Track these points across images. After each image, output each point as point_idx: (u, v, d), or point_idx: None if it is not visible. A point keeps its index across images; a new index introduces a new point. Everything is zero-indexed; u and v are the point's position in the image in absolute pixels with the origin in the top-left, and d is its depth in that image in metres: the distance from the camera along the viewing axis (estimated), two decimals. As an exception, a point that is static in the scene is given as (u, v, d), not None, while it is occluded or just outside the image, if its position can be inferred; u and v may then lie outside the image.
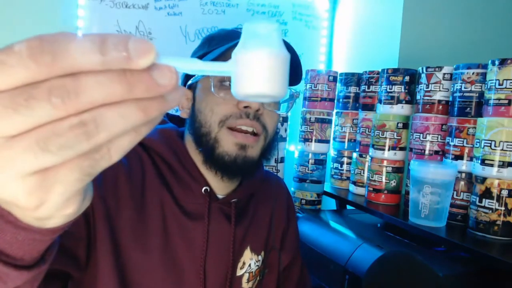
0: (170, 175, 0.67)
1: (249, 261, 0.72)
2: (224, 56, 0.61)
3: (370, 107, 1.22)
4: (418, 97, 1.06)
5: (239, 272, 0.71)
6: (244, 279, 0.72)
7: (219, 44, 0.66)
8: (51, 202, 0.24)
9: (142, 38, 0.22)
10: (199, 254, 0.65)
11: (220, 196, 0.70)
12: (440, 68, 1.01)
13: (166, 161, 0.68)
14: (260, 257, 0.74)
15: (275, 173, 1.34)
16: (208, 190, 0.67)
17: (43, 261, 0.33)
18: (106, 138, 0.22)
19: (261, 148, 0.66)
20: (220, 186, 0.69)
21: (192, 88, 0.69)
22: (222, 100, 0.63)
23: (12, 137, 0.22)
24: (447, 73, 1.00)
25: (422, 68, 1.04)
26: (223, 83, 0.64)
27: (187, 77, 0.71)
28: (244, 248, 0.72)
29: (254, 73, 0.23)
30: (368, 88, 1.22)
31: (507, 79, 0.83)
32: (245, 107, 0.62)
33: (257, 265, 0.74)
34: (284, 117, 1.31)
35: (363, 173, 1.23)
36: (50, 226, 0.27)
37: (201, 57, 0.68)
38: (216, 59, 0.61)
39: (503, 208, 0.83)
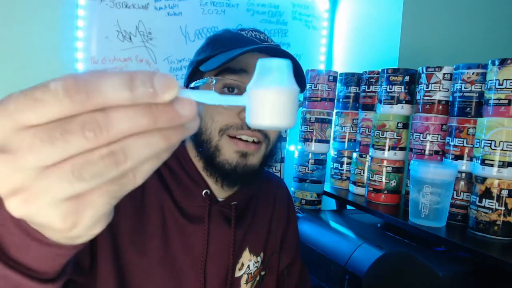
0: (170, 178, 0.67)
1: (248, 262, 0.72)
2: (228, 65, 0.62)
3: (370, 107, 1.22)
4: (418, 97, 1.06)
5: (237, 273, 0.71)
6: (243, 280, 0.72)
7: (223, 47, 0.66)
8: (83, 224, 0.26)
9: (166, 74, 0.24)
10: (199, 256, 0.65)
11: (220, 199, 0.70)
12: (440, 68, 1.01)
13: (166, 164, 0.67)
14: (259, 258, 0.74)
15: (275, 173, 1.34)
16: (209, 193, 0.67)
17: (64, 273, 0.35)
18: (132, 165, 0.25)
19: (262, 156, 0.66)
20: (220, 189, 0.69)
21: (194, 89, 0.68)
22: (223, 109, 0.62)
23: (48, 167, 0.23)
24: (447, 73, 1.00)
25: (422, 68, 1.04)
26: (224, 90, 0.64)
27: (189, 79, 0.71)
28: (243, 249, 0.72)
29: (266, 108, 0.26)
30: (368, 88, 1.22)
31: (507, 79, 0.83)
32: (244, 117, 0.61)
33: (256, 266, 0.74)
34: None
35: (363, 173, 1.23)
36: (77, 243, 0.29)
37: (204, 60, 0.67)
38: (220, 67, 0.62)
39: (503, 208, 0.83)
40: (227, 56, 0.61)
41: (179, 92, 0.24)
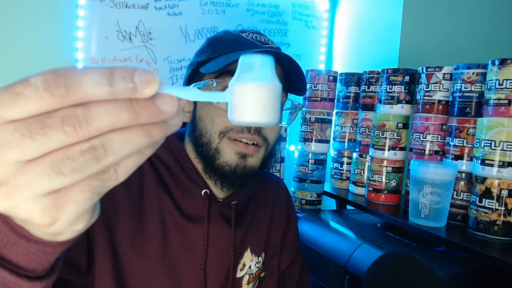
0: (169, 178, 0.67)
1: (249, 262, 0.72)
2: (228, 68, 0.62)
3: (370, 107, 1.22)
4: (418, 97, 1.06)
5: (239, 274, 0.71)
6: (244, 281, 0.72)
7: (224, 50, 0.66)
8: (63, 219, 0.26)
9: (146, 70, 0.24)
10: (198, 257, 0.65)
11: (220, 199, 0.69)
12: (440, 68, 1.01)
13: (165, 164, 0.68)
14: (260, 259, 0.74)
15: (275, 174, 1.34)
16: (208, 192, 0.67)
17: (53, 271, 0.35)
18: (113, 161, 0.25)
19: (261, 158, 0.67)
20: (219, 189, 0.68)
21: None
22: (224, 111, 0.62)
23: (28, 162, 0.24)
24: (447, 73, 1.00)
25: (422, 68, 1.04)
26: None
27: (189, 80, 0.70)
28: (244, 249, 0.71)
29: (248, 104, 0.26)
30: (368, 88, 1.22)
31: (507, 79, 0.83)
32: None
33: (258, 267, 0.74)
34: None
35: (363, 173, 1.23)
36: (61, 240, 0.30)
37: (204, 62, 0.67)
38: (221, 69, 0.62)
39: (503, 208, 0.83)
40: (228, 59, 0.61)
41: (160, 88, 0.24)
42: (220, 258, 0.67)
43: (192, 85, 0.67)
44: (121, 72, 0.24)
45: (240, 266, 0.71)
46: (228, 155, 0.63)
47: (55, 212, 0.25)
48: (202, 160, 0.66)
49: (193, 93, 0.27)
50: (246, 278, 0.72)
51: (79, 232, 0.29)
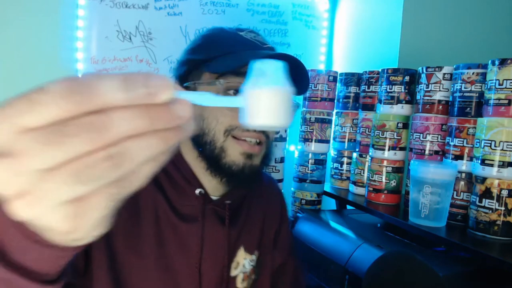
0: (163, 178, 0.67)
1: (243, 261, 0.73)
2: (228, 72, 0.62)
3: (370, 107, 1.22)
4: (418, 97, 1.06)
5: (233, 273, 0.71)
6: (239, 279, 0.72)
7: (225, 49, 0.66)
8: (84, 226, 0.26)
9: (162, 75, 0.25)
10: (194, 256, 0.66)
11: (214, 198, 0.70)
12: (440, 68, 1.01)
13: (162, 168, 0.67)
14: (254, 257, 0.75)
15: (275, 173, 1.34)
16: (202, 192, 0.67)
17: (65, 274, 0.35)
18: (131, 168, 0.25)
19: (263, 155, 0.67)
20: (214, 188, 0.69)
21: (190, 89, 0.67)
22: (228, 110, 0.63)
23: (48, 170, 0.23)
24: (447, 73, 1.00)
25: (422, 68, 1.04)
26: (228, 91, 0.63)
27: (184, 78, 0.69)
28: (237, 248, 0.72)
29: (261, 108, 0.27)
30: (368, 88, 1.22)
31: (507, 79, 0.83)
32: None
33: (252, 265, 0.74)
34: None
35: (363, 173, 1.23)
36: (77, 245, 0.29)
37: (205, 61, 0.66)
38: (220, 73, 0.62)
39: (503, 208, 0.83)
40: (238, 61, 0.62)
41: (175, 93, 0.25)
42: (215, 257, 0.68)
43: (194, 83, 0.67)
44: (136, 78, 0.24)
45: (234, 264, 0.71)
46: (234, 155, 0.64)
47: (76, 220, 0.25)
48: (205, 159, 0.66)
49: (208, 98, 0.28)
50: (241, 276, 0.73)
51: (97, 237, 0.29)
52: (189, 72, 0.68)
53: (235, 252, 0.71)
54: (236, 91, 0.64)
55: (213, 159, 0.64)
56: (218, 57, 0.65)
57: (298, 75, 0.65)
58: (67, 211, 0.25)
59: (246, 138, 0.64)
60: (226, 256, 0.69)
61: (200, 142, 0.65)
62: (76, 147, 0.23)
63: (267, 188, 0.82)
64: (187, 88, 0.68)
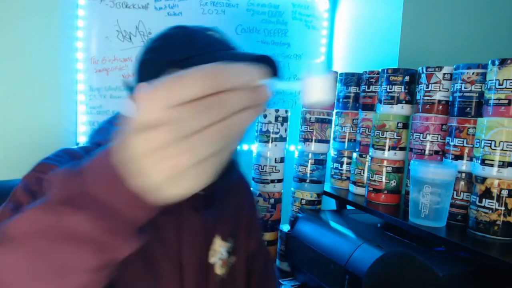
0: None
1: (220, 248, 0.75)
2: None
3: (370, 107, 1.22)
4: (418, 97, 1.06)
5: (211, 260, 0.74)
6: (217, 266, 0.75)
7: (203, 49, 0.69)
8: (198, 185, 0.34)
9: (257, 68, 0.34)
10: (172, 246, 0.68)
11: None
12: (440, 68, 1.01)
13: None
14: (229, 244, 0.78)
15: (276, 173, 1.34)
16: None
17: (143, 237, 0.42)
18: (239, 134, 0.34)
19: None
20: None
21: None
22: None
23: (190, 136, 0.32)
24: (447, 73, 1.00)
25: (422, 68, 1.04)
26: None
27: (149, 77, 0.70)
28: (213, 237, 0.75)
29: (316, 89, 0.39)
30: (368, 88, 1.22)
31: (507, 79, 0.83)
32: None
33: (228, 252, 0.77)
34: (284, 117, 1.32)
35: (363, 173, 1.23)
36: (166, 203, 0.36)
37: (178, 61, 0.68)
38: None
39: (503, 208, 0.83)
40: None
41: (265, 80, 0.35)
42: (193, 246, 0.70)
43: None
44: (246, 68, 0.33)
45: (211, 252, 0.74)
46: None
47: (199, 178, 0.33)
48: None
49: (278, 84, 0.39)
50: (219, 263, 0.75)
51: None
52: (161, 70, 0.68)
53: (211, 241, 0.74)
54: None
55: None
56: (199, 56, 0.68)
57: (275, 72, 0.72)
58: (195, 171, 0.32)
59: None
60: (204, 244, 0.71)
61: None
62: (212, 116, 0.31)
63: (236, 178, 0.85)
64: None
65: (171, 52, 0.69)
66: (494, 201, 0.84)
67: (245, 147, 1.64)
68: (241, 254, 0.81)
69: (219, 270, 0.75)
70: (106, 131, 0.72)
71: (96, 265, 0.37)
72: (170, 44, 0.71)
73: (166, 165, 0.32)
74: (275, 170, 1.34)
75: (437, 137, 1.01)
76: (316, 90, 0.39)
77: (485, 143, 0.85)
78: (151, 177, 0.33)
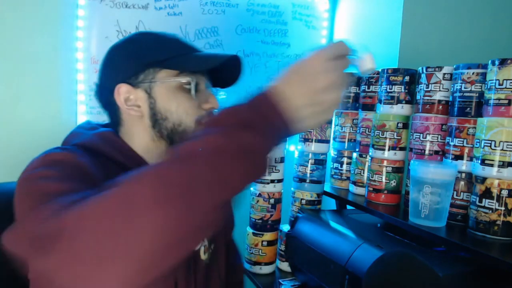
0: (118, 172, 0.70)
1: None
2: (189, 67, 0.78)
3: (370, 107, 1.22)
4: (418, 97, 1.06)
5: (197, 247, 0.82)
6: (202, 252, 0.83)
7: (178, 51, 0.78)
8: (319, 121, 0.59)
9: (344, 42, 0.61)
10: None
11: None
12: (440, 68, 1.01)
13: (112, 160, 0.74)
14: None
15: (275, 173, 1.34)
16: None
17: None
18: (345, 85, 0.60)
19: None
20: None
21: (145, 86, 0.77)
22: (195, 103, 0.78)
23: (332, 85, 0.57)
24: (447, 73, 1.00)
25: (422, 68, 1.04)
26: (185, 86, 0.77)
27: (126, 77, 0.77)
28: None
29: (372, 61, 0.63)
30: (368, 88, 1.22)
31: (507, 79, 0.83)
32: (210, 108, 0.80)
33: (209, 240, 0.85)
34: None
35: (363, 173, 1.23)
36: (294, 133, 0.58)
37: (164, 60, 0.76)
38: (189, 68, 0.78)
39: (503, 208, 0.83)
40: (207, 62, 0.77)
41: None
42: None
43: (140, 82, 0.77)
44: (343, 44, 0.60)
45: None
46: None
47: (322, 119, 0.58)
48: (177, 142, 0.76)
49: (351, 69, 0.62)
50: (202, 249, 0.83)
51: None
52: (138, 71, 0.77)
53: None
54: (196, 86, 0.78)
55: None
56: (175, 57, 0.77)
57: (238, 70, 0.84)
58: (324, 113, 0.58)
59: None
60: None
61: (173, 131, 0.77)
62: (341, 72, 0.58)
63: None
64: (137, 85, 0.77)
65: (152, 55, 0.77)
66: (494, 201, 0.84)
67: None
68: (220, 242, 0.91)
69: (203, 256, 0.83)
70: (82, 135, 0.77)
71: (253, 174, 0.52)
72: (149, 47, 0.78)
73: (313, 107, 0.56)
74: (275, 170, 1.34)
75: (437, 137, 1.01)
76: (372, 61, 0.62)
77: (485, 143, 0.85)
78: (300, 112, 0.55)
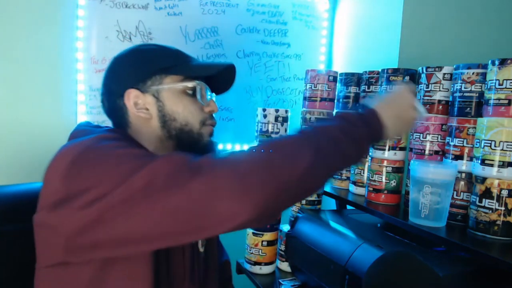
0: None
1: None
2: (195, 74, 0.87)
3: (370, 107, 1.22)
4: (418, 97, 1.06)
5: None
6: (200, 245, 0.93)
7: (185, 59, 0.88)
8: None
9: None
10: None
11: None
12: (440, 68, 1.01)
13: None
14: None
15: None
16: None
17: None
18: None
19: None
20: None
21: (150, 94, 0.84)
22: (198, 105, 0.87)
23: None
24: (447, 73, 1.00)
25: (422, 68, 1.04)
26: (188, 91, 0.86)
27: (137, 81, 0.84)
28: None
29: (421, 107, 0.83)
30: (368, 88, 1.22)
31: (507, 79, 0.83)
32: (210, 111, 0.90)
33: None
34: (284, 117, 1.32)
35: (363, 173, 1.23)
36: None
37: (162, 69, 0.84)
38: (193, 74, 0.87)
39: (503, 208, 0.83)
40: (210, 68, 0.89)
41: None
42: None
43: (149, 87, 0.84)
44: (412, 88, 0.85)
45: None
46: (205, 136, 0.89)
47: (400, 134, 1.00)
48: (180, 141, 0.86)
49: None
50: (200, 243, 0.93)
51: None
52: (146, 78, 0.84)
53: None
54: (193, 92, 0.87)
55: (194, 141, 0.87)
56: (179, 65, 0.86)
57: (231, 78, 0.94)
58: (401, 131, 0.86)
59: (210, 124, 0.90)
60: None
61: (181, 131, 0.86)
62: (414, 102, 0.85)
63: None
64: (145, 90, 0.85)
65: (158, 63, 0.85)
66: (494, 201, 0.84)
67: (245, 147, 1.64)
68: (212, 237, 1.01)
69: (201, 248, 0.94)
70: (94, 130, 0.83)
71: (356, 157, 0.76)
72: (154, 56, 0.86)
73: (399, 122, 0.80)
74: (275, 170, 1.34)
75: (437, 137, 1.01)
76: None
77: (485, 143, 0.85)
78: (390, 125, 0.78)
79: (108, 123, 0.93)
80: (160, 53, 0.87)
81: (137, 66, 0.86)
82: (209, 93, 0.91)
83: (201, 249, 0.94)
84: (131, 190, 0.61)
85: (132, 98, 0.83)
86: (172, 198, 0.60)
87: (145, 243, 0.64)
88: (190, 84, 0.85)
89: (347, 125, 0.73)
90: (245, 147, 1.64)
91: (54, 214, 0.67)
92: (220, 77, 0.91)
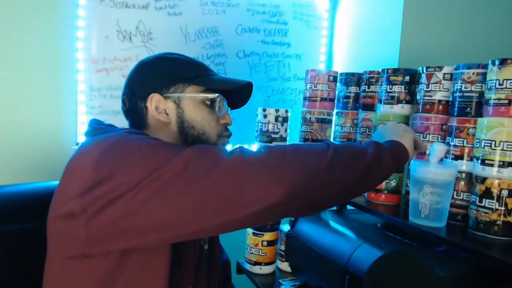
0: None
1: None
2: (214, 87, 0.90)
3: (370, 107, 1.22)
4: (418, 97, 1.06)
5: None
6: (204, 242, 0.96)
7: (208, 71, 0.93)
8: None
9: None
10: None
11: None
12: (440, 68, 1.01)
13: None
14: None
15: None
16: None
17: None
18: None
19: None
20: None
21: (172, 100, 0.88)
22: (215, 117, 0.91)
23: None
24: (447, 73, 1.00)
25: (422, 68, 1.04)
26: (207, 102, 0.90)
27: (160, 88, 0.87)
28: None
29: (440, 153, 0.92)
30: (368, 88, 1.22)
31: (507, 79, 0.83)
32: (225, 123, 0.94)
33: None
34: (284, 117, 1.32)
35: (363, 173, 1.23)
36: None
37: (184, 79, 0.88)
38: (216, 87, 0.90)
39: (503, 208, 0.83)
40: (230, 83, 0.91)
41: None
42: None
43: (169, 93, 0.88)
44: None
45: None
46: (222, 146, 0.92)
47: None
48: None
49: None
50: (203, 241, 0.96)
51: None
52: (169, 84, 0.88)
53: None
54: (212, 103, 0.91)
55: None
56: (201, 76, 0.90)
57: (249, 92, 0.99)
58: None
59: (226, 136, 0.94)
60: None
61: (199, 139, 0.89)
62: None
63: None
64: (167, 96, 0.88)
65: (182, 72, 0.89)
66: (494, 201, 0.84)
67: (245, 147, 1.64)
68: (215, 236, 1.05)
69: (205, 246, 0.97)
70: (112, 129, 0.85)
71: (384, 178, 0.84)
72: (179, 65, 0.90)
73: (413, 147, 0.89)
74: (275, 170, 1.34)
75: (437, 137, 1.01)
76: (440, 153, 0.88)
77: (485, 143, 0.85)
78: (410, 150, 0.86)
79: (110, 122, 0.93)
80: (185, 63, 0.91)
81: (163, 72, 0.89)
82: (225, 106, 0.94)
83: (205, 246, 0.97)
84: (167, 175, 0.64)
85: (154, 102, 0.86)
86: (207, 179, 0.64)
87: (171, 229, 0.66)
88: (211, 95, 0.89)
89: (381, 157, 0.79)
90: (245, 147, 1.64)
91: (83, 200, 0.67)
92: (237, 93, 0.95)
